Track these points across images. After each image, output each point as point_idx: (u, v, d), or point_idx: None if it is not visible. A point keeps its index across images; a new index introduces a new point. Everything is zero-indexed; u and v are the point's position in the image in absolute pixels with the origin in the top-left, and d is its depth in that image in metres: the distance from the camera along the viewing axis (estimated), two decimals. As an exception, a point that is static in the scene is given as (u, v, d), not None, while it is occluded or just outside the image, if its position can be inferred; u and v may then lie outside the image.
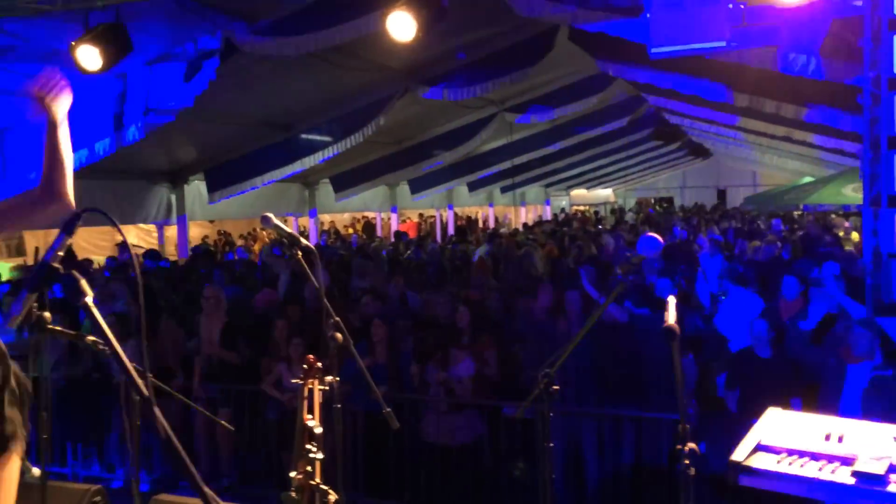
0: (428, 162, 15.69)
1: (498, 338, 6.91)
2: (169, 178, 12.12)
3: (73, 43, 6.14)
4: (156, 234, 13.58)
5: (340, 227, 24.55)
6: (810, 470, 2.77)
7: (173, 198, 12.21)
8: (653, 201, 36.88)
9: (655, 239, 2.68)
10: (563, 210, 32.37)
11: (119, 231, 1.97)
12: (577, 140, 18.00)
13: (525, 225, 22.66)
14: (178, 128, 9.11)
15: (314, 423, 3.58)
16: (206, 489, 1.49)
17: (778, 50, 6.64)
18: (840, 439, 2.89)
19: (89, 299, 1.61)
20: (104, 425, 7.22)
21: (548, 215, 28.73)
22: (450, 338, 6.50)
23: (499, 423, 6.21)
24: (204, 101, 8.03)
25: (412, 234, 21.05)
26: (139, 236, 15.83)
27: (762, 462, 2.85)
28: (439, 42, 9.42)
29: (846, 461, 2.77)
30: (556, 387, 3.14)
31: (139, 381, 1.45)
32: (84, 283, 1.61)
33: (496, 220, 25.78)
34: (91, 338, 2.86)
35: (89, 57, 6.12)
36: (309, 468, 3.54)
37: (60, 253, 1.77)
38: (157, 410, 1.45)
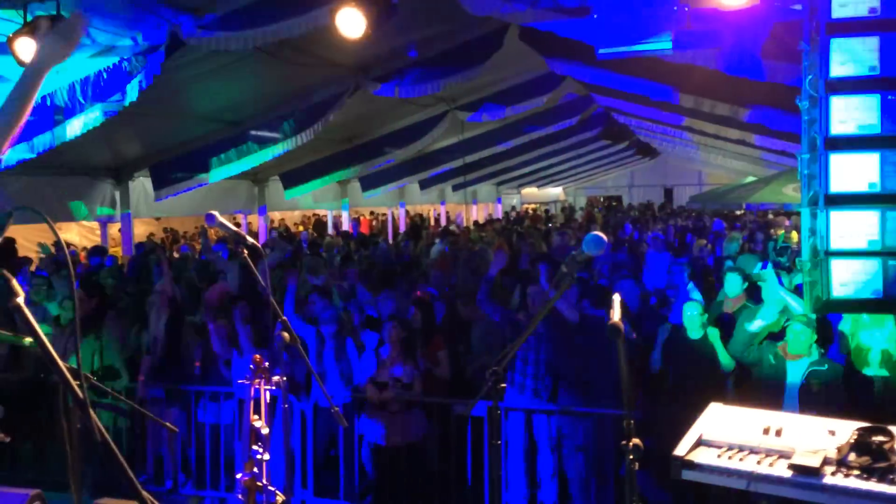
0: (379, 159, 15.62)
1: (450, 337, 6.94)
2: (113, 174, 11.81)
3: (10, 35, 5.94)
4: (99, 232, 13.23)
5: (291, 224, 24.30)
6: (749, 463, 2.84)
7: (117, 194, 11.92)
8: (601, 200, 37.42)
9: (601, 238, 2.72)
10: (513, 208, 32.59)
11: (52, 229, 1.90)
12: (528, 139, 18.12)
13: (476, 223, 22.75)
14: (123, 123, 8.90)
15: (260, 423, 3.55)
16: (144, 493, 1.46)
17: (721, 52, 6.79)
18: (778, 433, 2.97)
19: (20, 300, 1.56)
20: (48, 428, 7.04)
21: (499, 213, 28.90)
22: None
23: (450, 421, 6.23)
24: (149, 95, 7.85)
25: (365, 232, 20.99)
26: (81, 234, 15.41)
27: (703, 457, 2.92)
28: (390, 39, 9.39)
29: (783, 455, 2.85)
30: (503, 384, 3.16)
31: (73, 384, 1.42)
32: (15, 283, 1.56)
33: (448, 217, 25.82)
34: (29, 339, 2.79)
35: (28, 50, 5.93)
36: (255, 469, 3.51)
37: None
38: (91, 413, 1.42)
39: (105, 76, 7.84)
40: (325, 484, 6.56)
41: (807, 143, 5.07)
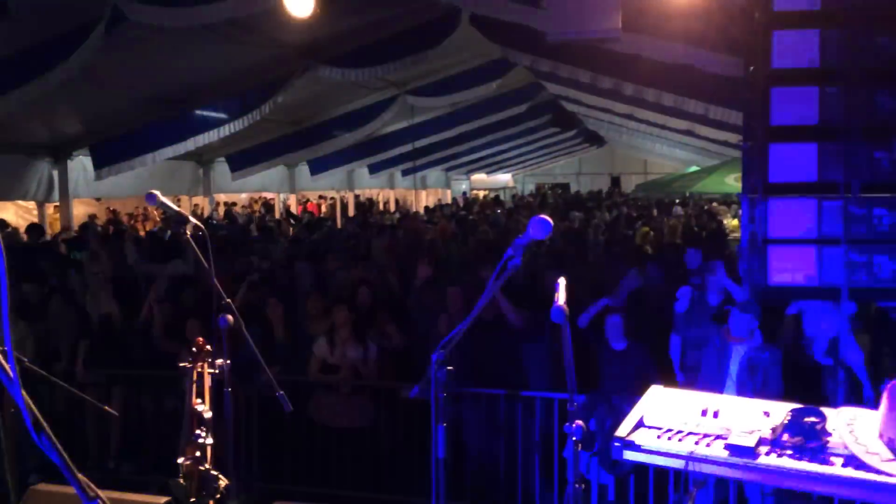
0: (328, 143, 15.47)
1: (397, 314, 6.97)
2: (50, 152, 11.44)
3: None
4: (36, 213, 12.79)
5: (239, 208, 23.88)
6: (687, 444, 2.90)
7: (55, 173, 11.55)
8: (547, 187, 37.69)
9: (547, 221, 2.74)
10: (464, 194, 32.65)
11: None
12: (478, 125, 18.17)
13: (427, 208, 22.73)
14: (61, 99, 8.63)
15: (203, 407, 3.50)
16: (80, 475, 1.43)
17: (668, 41, 6.90)
18: (715, 415, 3.05)
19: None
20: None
21: (448, 199, 28.91)
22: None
23: (397, 405, 6.24)
24: (89, 70, 7.63)
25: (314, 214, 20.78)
26: (18, 213, 14.88)
27: (643, 438, 2.98)
28: (340, 20, 9.29)
29: (720, 436, 2.93)
30: (449, 367, 3.17)
31: (4, 364, 1.37)
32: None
33: (397, 202, 25.73)
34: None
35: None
36: (198, 453, 3.45)
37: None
38: (24, 394, 1.38)
39: (43, 50, 7.60)
40: (274, 469, 6.52)
41: (748, 133, 5.20)
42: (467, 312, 3.11)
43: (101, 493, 1.51)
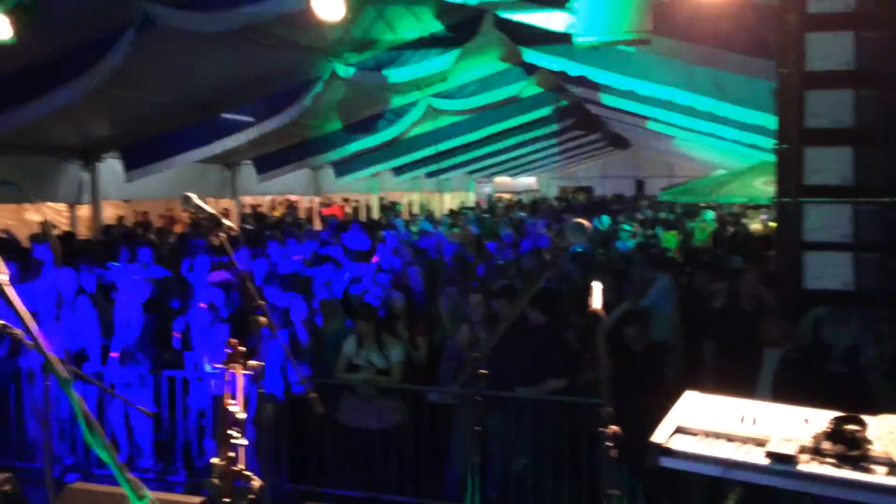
0: (352, 146, 15.52)
1: (429, 323, 6.97)
2: (81, 154, 11.59)
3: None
4: (67, 214, 12.96)
5: (267, 210, 24.01)
6: (726, 451, 2.87)
7: (86, 176, 11.70)
8: (571, 191, 37.54)
9: (583, 225, 2.72)
10: (487, 197, 32.62)
11: (37, 205, 1.85)
12: (502, 128, 18.14)
13: (451, 211, 22.74)
14: (92, 103, 8.72)
15: (237, 408, 3.51)
16: (129, 474, 1.44)
17: (697, 44, 6.84)
18: (754, 422, 3.01)
19: (4, 278, 1.51)
20: (16, 411, 6.94)
21: (471, 202, 28.90)
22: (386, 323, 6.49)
23: (422, 407, 6.23)
24: (120, 75, 7.71)
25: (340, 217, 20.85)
26: (49, 215, 15.08)
27: (681, 444, 2.95)
28: (367, 23, 9.32)
29: (760, 442, 2.89)
30: (483, 371, 3.16)
31: (57, 365, 1.38)
32: (0, 262, 1.51)
33: (421, 205, 25.74)
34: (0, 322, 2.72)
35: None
36: (231, 454, 3.47)
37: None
38: (75, 394, 1.39)
39: (75, 54, 7.70)
40: (299, 469, 6.54)
41: (782, 137, 5.14)
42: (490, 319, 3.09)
43: (149, 492, 1.52)
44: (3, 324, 2.43)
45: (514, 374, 5.75)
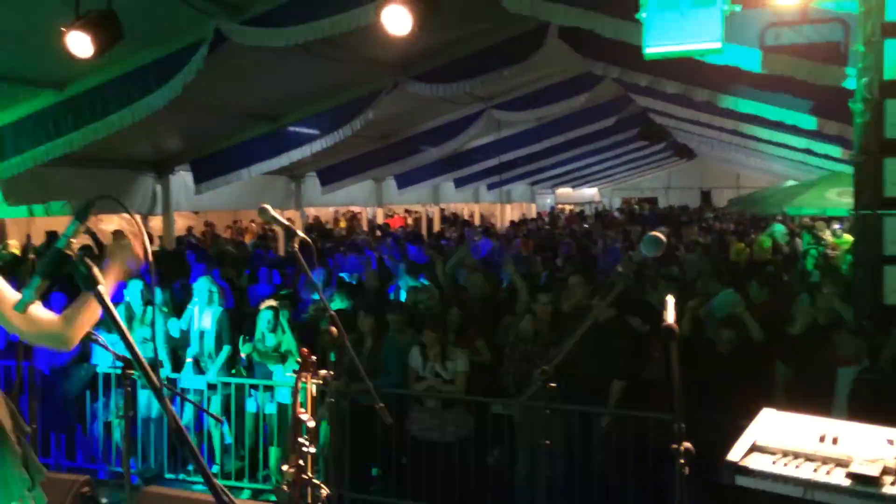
0: (415, 157, 15.65)
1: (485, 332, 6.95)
2: (154, 167, 11.98)
3: (63, 28, 6.05)
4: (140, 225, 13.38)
5: (331, 221, 24.41)
6: (806, 471, 2.78)
7: (158, 188, 12.08)
8: (634, 202, 37.00)
9: (659, 238, 2.68)
10: (549, 208, 32.46)
11: (133, 218, 1.92)
12: (564, 139, 18.04)
13: (512, 223, 22.71)
14: (164, 117, 9.00)
15: (307, 416, 3.57)
16: (216, 481, 1.47)
17: (768, 53, 6.68)
18: (835, 441, 2.91)
19: (102, 287, 1.58)
20: (87, 416, 7.18)
21: (533, 213, 28.79)
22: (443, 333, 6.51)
23: (486, 419, 6.21)
24: (192, 90, 7.94)
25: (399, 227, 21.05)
26: (122, 227, 15.62)
27: (758, 462, 2.87)
28: (429, 37, 9.38)
29: (841, 463, 2.79)
30: (553, 384, 3.14)
31: (151, 372, 1.43)
32: (97, 271, 1.58)
33: (482, 217, 25.78)
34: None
35: (80, 43, 6.04)
36: (301, 462, 3.52)
37: (74, 240, 1.72)
38: (167, 401, 1.43)
39: (150, 70, 7.96)
40: (362, 479, 6.58)
41: (860, 147, 4.98)
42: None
43: (233, 498, 1.55)
44: (87, 330, 2.51)
45: (579, 371, 5.69)
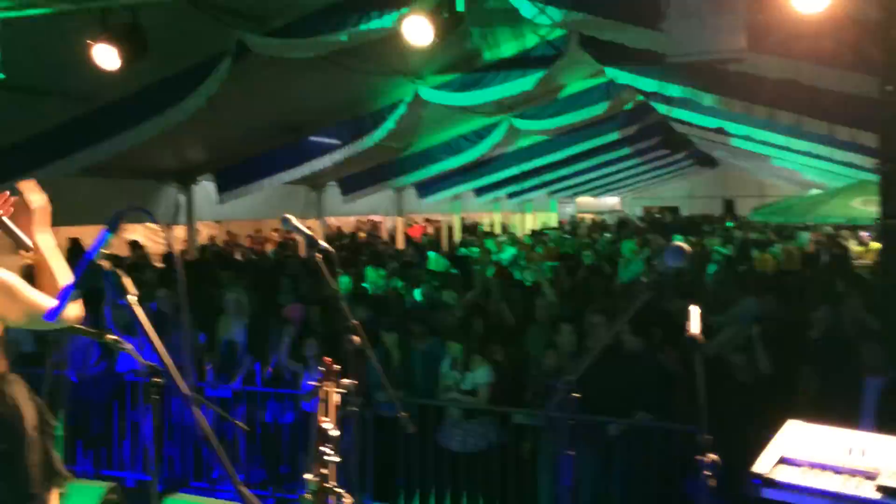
0: (435, 166, 15.68)
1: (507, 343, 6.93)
2: (178, 178, 12.11)
3: (89, 41, 6.14)
4: (162, 235, 13.56)
5: (354, 230, 24.50)
6: (834, 483, 2.75)
7: (182, 198, 12.21)
8: (656, 211, 36.77)
9: (682, 249, 2.67)
10: (571, 217, 32.36)
11: (161, 228, 1.95)
12: (585, 147, 18.00)
13: (533, 231, 22.66)
14: (188, 128, 9.11)
15: (330, 425, 3.57)
16: (245, 489, 1.48)
17: (793, 61, 6.62)
18: (863, 453, 2.88)
19: (132, 297, 1.60)
20: (114, 423, 7.24)
21: (554, 222, 28.71)
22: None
23: (509, 429, 6.20)
24: (215, 101, 8.03)
25: (418, 238, 21.09)
26: (146, 236, 15.79)
27: (786, 475, 2.84)
28: (450, 46, 9.42)
29: (870, 475, 2.76)
30: (576, 394, 3.13)
31: (180, 381, 1.45)
32: (128, 281, 1.60)
33: (503, 226, 25.76)
34: (111, 336, 2.86)
35: (107, 56, 6.13)
36: (324, 470, 3.52)
37: (104, 250, 1.75)
38: (196, 410, 1.45)
39: (174, 83, 8.05)
40: (384, 488, 6.58)
41: (886, 155, 4.93)
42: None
43: (260, 507, 1.56)
44: (115, 338, 2.55)
45: (604, 402, 5.65)
